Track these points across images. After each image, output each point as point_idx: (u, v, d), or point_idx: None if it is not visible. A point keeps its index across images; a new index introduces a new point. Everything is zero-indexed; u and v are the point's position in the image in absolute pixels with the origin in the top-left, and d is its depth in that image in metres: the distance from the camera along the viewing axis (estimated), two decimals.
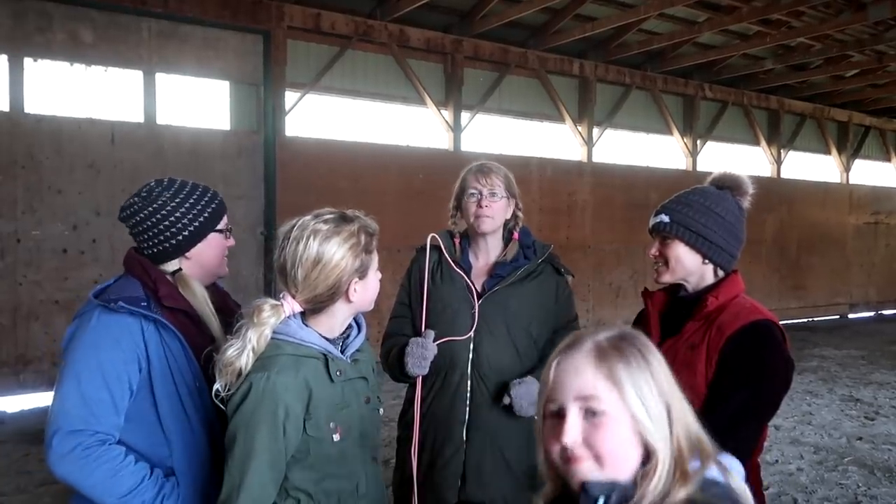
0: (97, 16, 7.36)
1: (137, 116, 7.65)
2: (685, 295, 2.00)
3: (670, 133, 12.05)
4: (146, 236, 1.87)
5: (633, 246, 11.07)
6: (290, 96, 8.40)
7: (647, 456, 1.13)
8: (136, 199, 1.89)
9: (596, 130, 11.03)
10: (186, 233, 1.87)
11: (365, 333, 1.82)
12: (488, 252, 2.43)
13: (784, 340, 1.90)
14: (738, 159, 13.17)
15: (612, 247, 11.09)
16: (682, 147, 12.17)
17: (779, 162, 13.61)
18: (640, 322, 2.10)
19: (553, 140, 10.82)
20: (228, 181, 8.16)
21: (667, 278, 2.01)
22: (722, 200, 1.98)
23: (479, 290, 2.36)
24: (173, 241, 1.86)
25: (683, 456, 1.13)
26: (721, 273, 1.99)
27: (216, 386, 1.61)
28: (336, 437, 1.64)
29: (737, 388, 1.80)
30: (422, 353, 2.22)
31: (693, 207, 1.95)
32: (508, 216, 2.44)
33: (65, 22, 7.23)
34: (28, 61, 7.09)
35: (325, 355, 1.68)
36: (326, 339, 1.71)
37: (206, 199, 1.94)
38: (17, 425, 5.94)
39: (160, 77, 7.75)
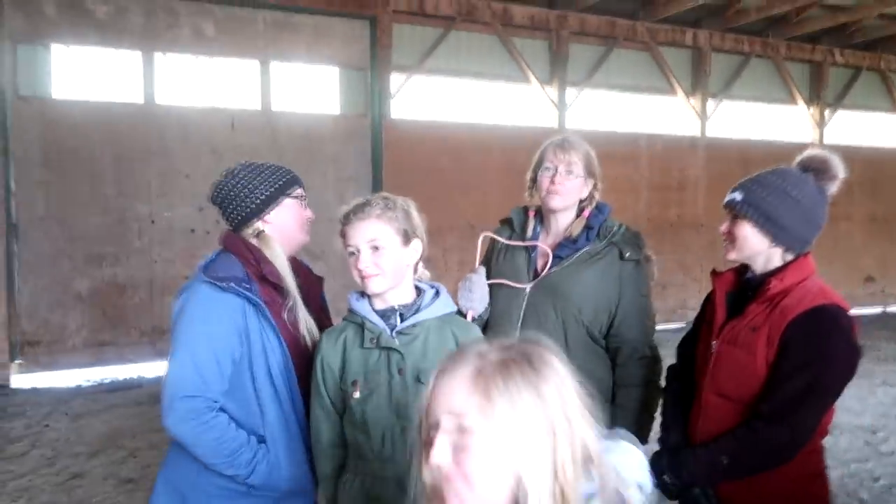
0: (218, 10, 7.86)
1: (255, 104, 8.12)
2: (751, 276, 1.97)
3: (794, 103, 11.31)
4: (230, 207, 2.07)
5: None
6: (396, 79, 8.62)
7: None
8: (220, 179, 2.13)
9: (711, 103, 10.54)
10: (263, 196, 2.05)
11: (431, 315, 1.88)
12: (558, 230, 2.40)
13: (852, 328, 1.83)
14: (874, 128, 12.18)
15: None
16: (808, 118, 11.40)
17: None
18: (708, 302, 2.07)
19: (664, 114, 10.45)
20: (338, 163, 8.53)
21: (733, 256, 1.99)
22: (802, 183, 1.92)
23: (538, 269, 2.35)
24: (252, 206, 2.05)
25: (568, 481, 1.00)
26: (789, 256, 1.93)
27: None
28: (356, 395, 1.84)
29: (796, 372, 1.77)
30: (469, 287, 2.26)
31: (768, 188, 1.91)
32: (584, 195, 2.38)
33: (190, 17, 7.77)
34: (158, 56, 7.69)
35: (362, 323, 1.87)
36: (378, 310, 1.89)
37: (280, 172, 2.13)
38: (153, 389, 6.56)
39: (274, 65, 8.18)
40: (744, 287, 1.97)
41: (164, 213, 7.75)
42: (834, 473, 4.61)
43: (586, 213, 2.39)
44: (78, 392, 6.73)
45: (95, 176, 7.44)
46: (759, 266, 1.96)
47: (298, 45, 8.25)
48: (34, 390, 6.77)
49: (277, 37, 8.14)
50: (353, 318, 1.90)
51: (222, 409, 1.94)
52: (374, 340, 1.84)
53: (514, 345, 1.06)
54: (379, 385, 1.83)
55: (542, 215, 2.46)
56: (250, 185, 2.06)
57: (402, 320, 1.87)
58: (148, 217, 7.67)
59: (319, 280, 2.30)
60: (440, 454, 1.01)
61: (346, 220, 1.89)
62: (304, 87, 8.39)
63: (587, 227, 2.36)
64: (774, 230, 1.90)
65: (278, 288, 2.03)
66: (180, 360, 1.90)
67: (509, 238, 2.45)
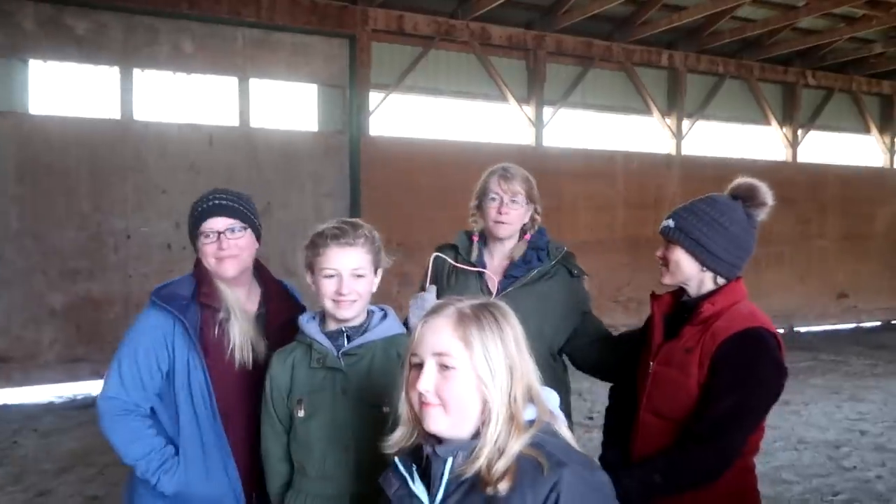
0: (197, 27, 7.91)
1: (233, 120, 8.17)
2: (687, 300, 2.05)
3: (768, 123, 11.53)
4: None
5: None
6: (375, 97, 8.70)
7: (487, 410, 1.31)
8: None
9: (686, 122, 10.73)
10: (191, 237, 2.17)
11: (377, 336, 1.93)
12: (504, 253, 2.51)
13: (778, 348, 1.91)
14: (846, 149, 12.43)
15: None
16: (782, 137, 11.62)
17: (892, 151, 12.73)
18: (648, 323, 2.14)
19: (640, 133, 10.62)
20: (317, 180, 8.58)
21: (667, 280, 2.07)
22: (730, 210, 2.00)
23: (493, 289, 2.44)
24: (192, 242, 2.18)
25: (518, 411, 1.29)
26: (721, 281, 2.01)
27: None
28: (300, 413, 1.89)
29: (724, 394, 1.84)
30: (421, 305, 2.27)
31: (698, 216, 1.99)
32: (526, 220, 2.51)
33: (169, 34, 7.81)
34: (136, 72, 7.72)
35: (310, 343, 1.92)
36: (327, 332, 1.94)
37: (190, 212, 2.16)
38: None
39: (253, 82, 8.23)
40: (680, 309, 2.05)
41: (141, 229, 7.76)
42: (795, 489, 4.73)
43: (527, 236, 2.51)
44: (49, 408, 6.70)
45: (71, 191, 7.44)
46: (693, 290, 2.03)
47: (277, 62, 8.31)
48: (4, 407, 6.72)
49: (256, 54, 8.21)
50: (302, 338, 1.95)
51: (148, 416, 2.08)
52: (321, 361, 1.89)
53: (483, 302, 1.36)
54: (322, 404, 1.88)
55: (485, 239, 2.55)
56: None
57: (349, 341, 1.92)
58: (124, 232, 7.67)
59: (297, 307, 2.26)
60: (427, 382, 1.29)
61: (326, 243, 1.90)
62: (283, 103, 8.45)
63: (536, 249, 2.48)
64: (704, 256, 1.98)
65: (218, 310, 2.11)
66: (110, 367, 2.11)
67: (455, 262, 2.52)
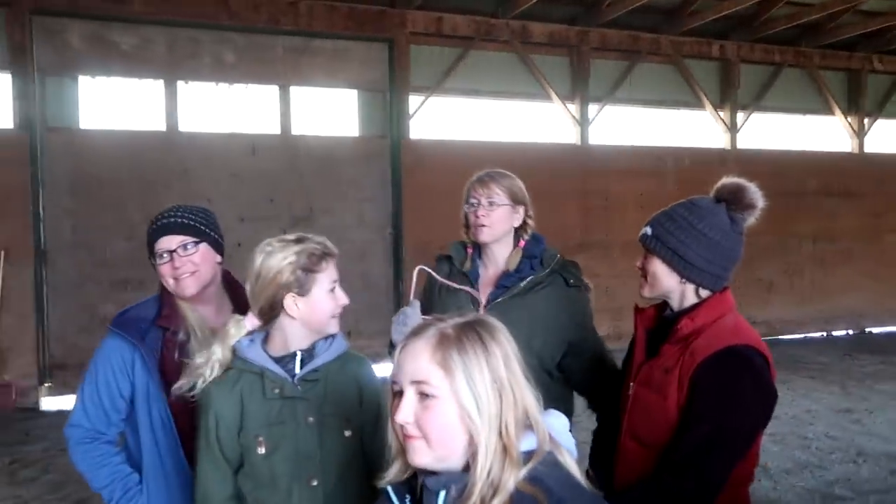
0: (238, 38, 8.04)
1: (274, 128, 8.26)
2: (668, 314, 1.87)
3: (831, 113, 10.93)
4: None
5: (787, 237, 10.22)
6: (414, 100, 8.65)
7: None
8: None
9: (741, 115, 10.28)
10: (150, 258, 2.08)
11: (333, 354, 1.84)
12: (497, 262, 2.37)
13: (767, 368, 1.72)
14: None
15: (762, 239, 10.28)
16: (846, 127, 11.00)
17: None
18: (632, 343, 1.98)
19: (691, 128, 10.23)
20: (358, 185, 8.60)
21: (646, 293, 1.90)
22: (710, 215, 1.82)
23: (483, 301, 2.32)
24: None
25: (512, 441, 1.17)
26: (704, 293, 1.83)
27: (178, 384, 1.82)
28: (261, 451, 1.74)
29: (702, 418, 1.67)
30: (403, 321, 2.14)
31: (675, 222, 1.82)
32: (516, 224, 2.36)
33: (211, 46, 7.97)
34: (180, 84, 7.90)
35: (262, 372, 1.77)
36: (275, 357, 1.80)
37: (150, 228, 2.07)
38: None
39: (294, 90, 8.31)
40: (662, 325, 1.88)
41: None
42: None
43: (522, 243, 2.37)
44: None
45: (121, 202, 7.65)
46: (675, 303, 1.86)
47: (317, 69, 8.37)
48: (60, 413, 6.96)
49: (296, 62, 8.28)
50: (247, 366, 1.78)
51: (114, 443, 2.06)
52: (278, 391, 1.77)
53: (468, 321, 1.23)
54: (285, 437, 1.76)
55: (479, 249, 2.43)
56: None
57: (301, 365, 1.82)
58: None
59: None
60: (404, 414, 1.19)
61: (327, 256, 1.82)
62: (323, 110, 8.50)
63: (528, 257, 2.34)
64: (681, 266, 1.81)
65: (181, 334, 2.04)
66: (77, 395, 2.08)
67: (448, 274, 2.41)
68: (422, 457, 1.19)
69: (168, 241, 2.01)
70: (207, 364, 1.76)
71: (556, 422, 1.31)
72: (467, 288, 2.33)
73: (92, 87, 7.66)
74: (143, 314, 2.06)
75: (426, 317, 2.22)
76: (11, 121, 7.24)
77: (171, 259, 2.01)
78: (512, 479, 1.14)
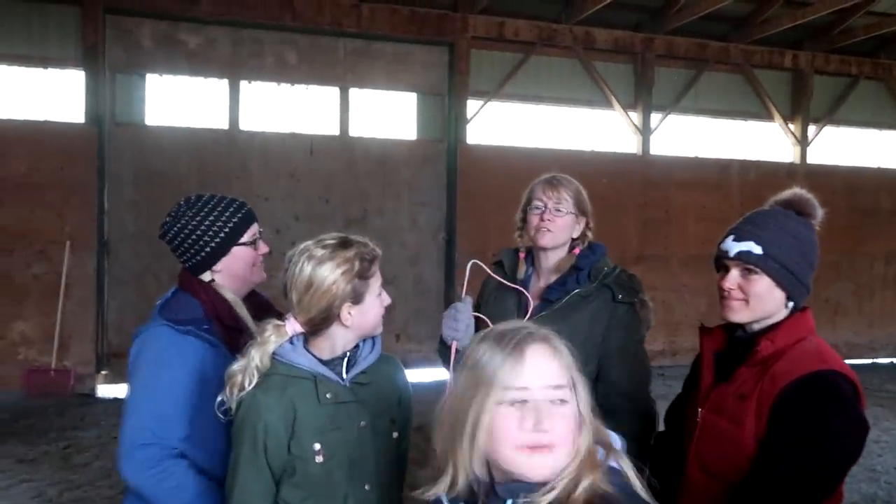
0: (300, 39, 8.11)
1: (333, 129, 8.30)
2: (741, 335, 1.72)
3: None
4: (179, 252, 2.02)
5: (856, 257, 9.76)
6: (473, 104, 8.57)
7: None
8: (168, 217, 2.05)
9: (812, 128, 9.86)
10: (209, 249, 1.98)
11: (377, 355, 1.79)
12: (549, 271, 2.27)
13: (857, 397, 1.56)
14: None
15: (830, 258, 9.83)
16: None
17: None
18: (697, 362, 1.84)
19: (759, 140, 9.86)
20: (413, 188, 8.57)
21: (742, 317, 1.71)
22: (807, 229, 1.71)
23: (527, 312, 2.21)
24: (199, 258, 1.99)
25: (593, 425, 1.19)
26: (786, 311, 1.69)
27: (219, 397, 1.71)
28: (319, 459, 1.65)
29: (785, 453, 1.51)
30: (454, 316, 2.08)
31: (787, 238, 1.68)
32: (576, 234, 2.26)
33: (274, 46, 8.06)
34: (243, 84, 8.02)
35: (314, 377, 1.69)
36: (322, 360, 1.73)
37: (227, 214, 2.02)
38: None
39: (353, 92, 8.34)
40: (734, 346, 1.73)
41: None
42: None
43: (577, 250, 2.27)
44: None
45: (181, 197, 7.73)
46: (757, 324, 1.72)
47: (377, 71, 8.38)
48: (115, 400, 7.11)
49: (357, 64, 8.31)
50: (295, 371, 1.69)
51: (184, 456, 1.88)
52: (331, 395, 1.69)
53: (535, 327, 1.23)
54: (342, 443, 1.69)
55: (532, 256, 2.32)
56: (195, 235, 1.98)
57: (348, 368, 1.75)
58: None
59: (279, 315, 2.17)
60: (555, 424, 1.13)
61: (375, 259, 1.78)
62: (382, 112, 8.50)
63: (577, 269, 2.23)
64: (793, 286, 1.67)
65: (236, 329, 1.96)
66: (137, 406, 1.88)
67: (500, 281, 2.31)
68: (548, 466, 1.13)
69: (255, 228, 2.04)
70: (245, 372, 1.67)
71: (613, 439, 1.27)
72: (520, 287, 2.22)
73: (159, 85, 7.83)
74: (193, 314, 1.94)
75: (478, 314, 2.17)
76: (83, 116, 7.46)
77: (256, 246, 2.01)
78: (585, 484, 1.13)
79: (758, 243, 1.70)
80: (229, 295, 2.00)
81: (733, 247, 1.73)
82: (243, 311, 2.00)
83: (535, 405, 1.12)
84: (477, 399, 1.15)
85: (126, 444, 1.85)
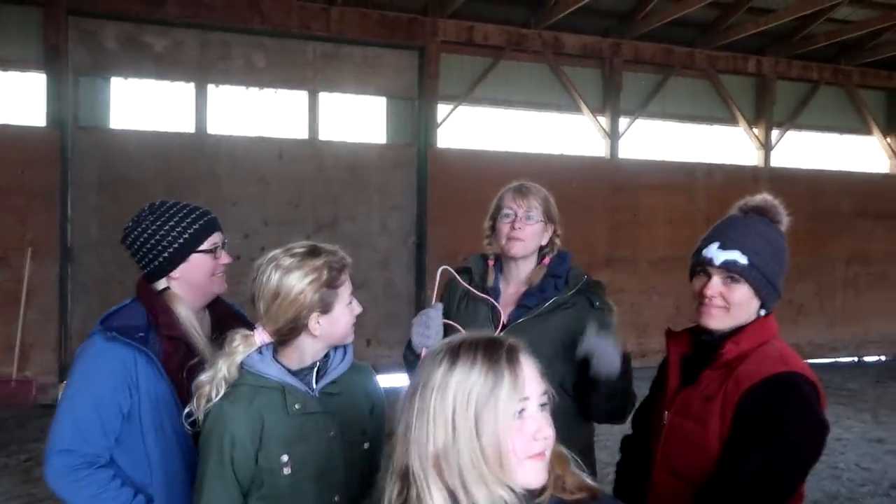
0: (268, 42, 8.04)
1: (302, 133, 8.24)
2: (706, 338, 1.75)
3: (870, 132, 10.67)
4: (137, 257, 2.00)
5: (819, 259, 9.96)
6: (443, 109, 8.59)
7: None
8: (129, 223, 2.03)
9: (775, 133, 10.06)
10: (167, 254, 1.95)
11: (348, 364, 1.78)
12: (520, 279, 2.28)
13: (817, 398, 1.59)
14: None
15: (793, 259, 10.00)
16: (885, 148, 10.72)
17: None
18: (663, 367, 1.86)
19: (724, 145, 10.04)
20: (384, 192, 8.54)
21: (723, 324, 1.72)
22: (782, 238, 1.75)
23: (504, 320, 2.22)
24: (156, 263, 1.96)
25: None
26: (756, 316, 1.72)
27: (187, 409, 1.69)
28: (287, 471, 1.63)
29: (748, 453, 1.54)
30: (425, 322, 2.07)
31: (767, 247, 1.71)
32: (544, 242, 2.28)
33: (242, 49, 7.98)
34: (211, 87, 7.92)
35: (282, 388, 1.67)
36: (291, 370, 1.71)
37: (188, 221, 1.99)
38: None
39: (323, 96, 8.29)
40: (700, 350, 1.75)
41: None
42: None
43: (547, 259, 2.27)
44: None
45: (147, 202, 7.62)
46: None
47: (347, 75, 8.34)
48: None
49: (326, 67, 8.26)
50: (262, 381, 1.67)
51: (109, 465, 1.86)
52: (300, 406, 1.67)
53: (501, 337, 1.23)
54: (311, 455, 1.67)
55: (501, 264, 2.33)
56: (153, 240, 1.94)
57: (317, 378, 1.73)
58: None
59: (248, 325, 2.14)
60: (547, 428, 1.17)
61: (345, 268, 1.75)
62: (352, 116, 8.46)
63: (553, 276, 2.24)
64: (769, 294, 1.71)
65: (179, 340, 1.92)
66: (61, 414, 1.87)
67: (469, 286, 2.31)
68: (544, 471, 1.16)
69: (218, 237, 1.99)
70: (213, 383, 1.65)
71: None
72: (491, 300, 2.23)
73: (124, 88, 7.70)
74: (132, 322, 1.89)
75: (448, 321, 2.16)
76: (44, 119, 7.30)
77: (217, 255, 1.96)
78: (569, 478, 1.21)
79: (743, 253, 1.71)
80: (180, 305, 1.95)
81: (719, 255, 1.72)
82: (192, 322, 1.95)
83: (531, 414, 1.14)
84: (485, 418, 1.11)
85: (47, 450, 1.86)
